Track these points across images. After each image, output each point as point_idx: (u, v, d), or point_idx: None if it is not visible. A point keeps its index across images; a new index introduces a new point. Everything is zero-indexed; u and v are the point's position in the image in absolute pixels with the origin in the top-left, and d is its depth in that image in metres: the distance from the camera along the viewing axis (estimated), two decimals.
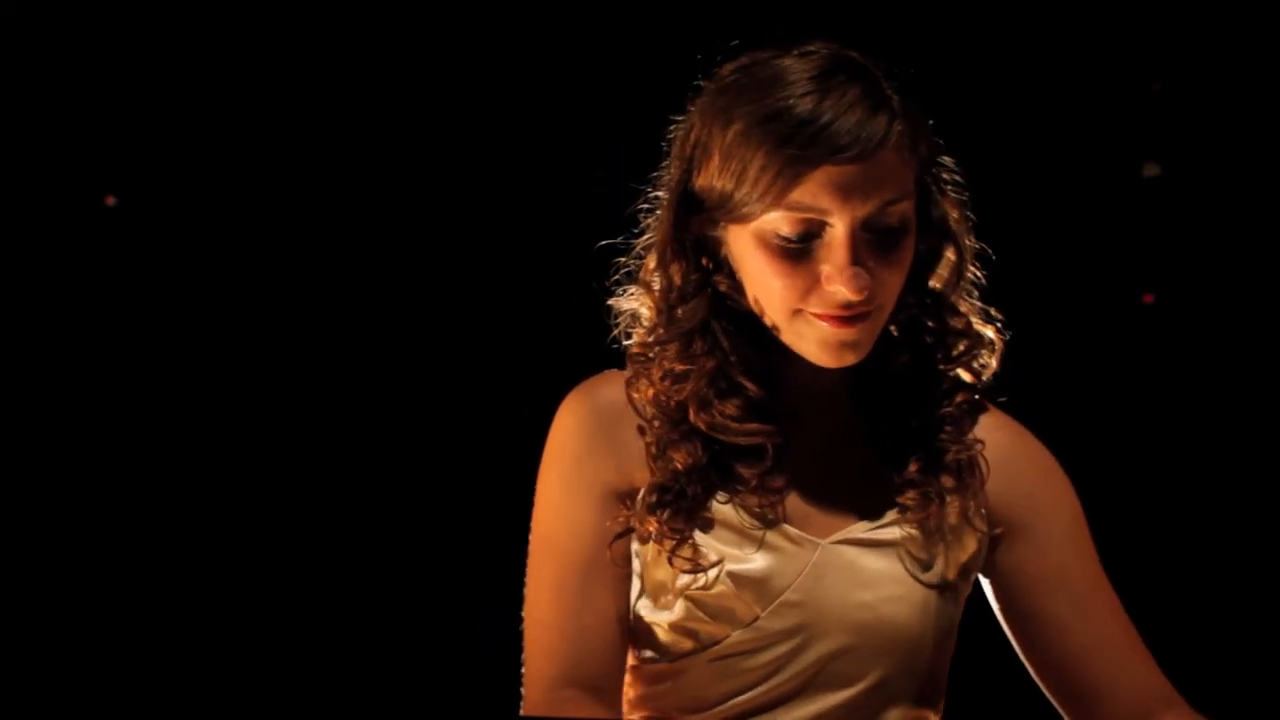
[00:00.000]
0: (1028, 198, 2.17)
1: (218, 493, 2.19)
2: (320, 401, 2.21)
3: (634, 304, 0.98)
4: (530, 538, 0.97)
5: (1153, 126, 2.29)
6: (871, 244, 0.82)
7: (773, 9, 1.77)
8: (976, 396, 0.97)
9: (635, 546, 0.92)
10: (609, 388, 0.97)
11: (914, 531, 0.91)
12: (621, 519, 0.91)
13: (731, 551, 0.89)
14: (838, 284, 0.81)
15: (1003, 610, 0.99)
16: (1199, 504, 2.19)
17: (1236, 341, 2.20)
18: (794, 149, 0.80)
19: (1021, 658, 0.98)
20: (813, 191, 0.81)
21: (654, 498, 0.89)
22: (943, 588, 0.91)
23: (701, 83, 0.93)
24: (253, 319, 2.22)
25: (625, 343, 0.99)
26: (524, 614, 0.95)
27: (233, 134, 2.22)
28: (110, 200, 2.17)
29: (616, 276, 0.99)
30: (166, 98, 2.19)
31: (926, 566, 0.90)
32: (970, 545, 0.93)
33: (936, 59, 2.07)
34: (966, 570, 0.94)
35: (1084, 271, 2.25)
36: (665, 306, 0.93)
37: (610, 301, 0.99)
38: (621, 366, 0.98)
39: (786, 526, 0.90)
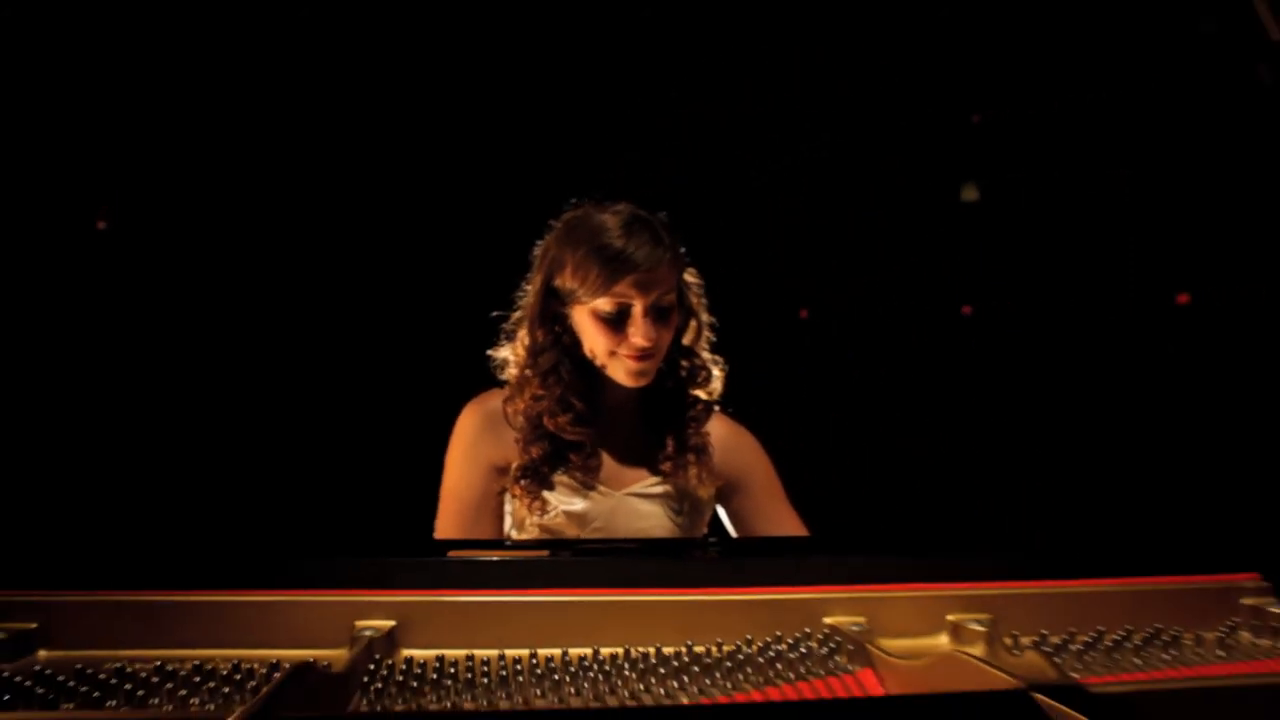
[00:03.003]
0: (864, 223, 2.67)
1: None
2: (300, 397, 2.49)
3: (505, 353, 1.59)
4: (441, 490, 1.58)
5: (972, 154, 2.68)
6: (654, 317, 1.46)
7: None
8: (710, 406, 1.65)
9: (508, 498, 1.55)
10: (493, 400, 1.58)
11: (670, 488, 1.58)
12: (499, 484, 1.54)
13: (565, 499, 1.54)
14: (637, 337, 1.45)
15: (729, 518, 1.68)
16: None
17: (1046, 347, 2.64)
18: (613, 268, 1.42)
19: (733, 532, 1.68)
20: (623, 290, 1.44)
21: (519, 473, 1.53)
22: (687, 518, 1.60)
23: (553, 222, 1.53)
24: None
25: (499, 375, 1.60)
26: (435, 533, 1.57)
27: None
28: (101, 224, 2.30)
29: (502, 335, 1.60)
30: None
31: (678, 509, 1.59)
32: (704, 493, 1.62)
33: (776, 87, 2.57)
34: (703, 508, 1.63)
35: (911, 286, 2.69)
36: (531, 356, 1.54)
37: (489, 352, 1.60)
38: (500, 385, 1.59)
39: (599, 485, 1.56)
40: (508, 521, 1.59)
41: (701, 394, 1.64)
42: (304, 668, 0.74)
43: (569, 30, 2.51)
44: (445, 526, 1.58)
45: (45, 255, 2.21)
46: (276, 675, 0.82)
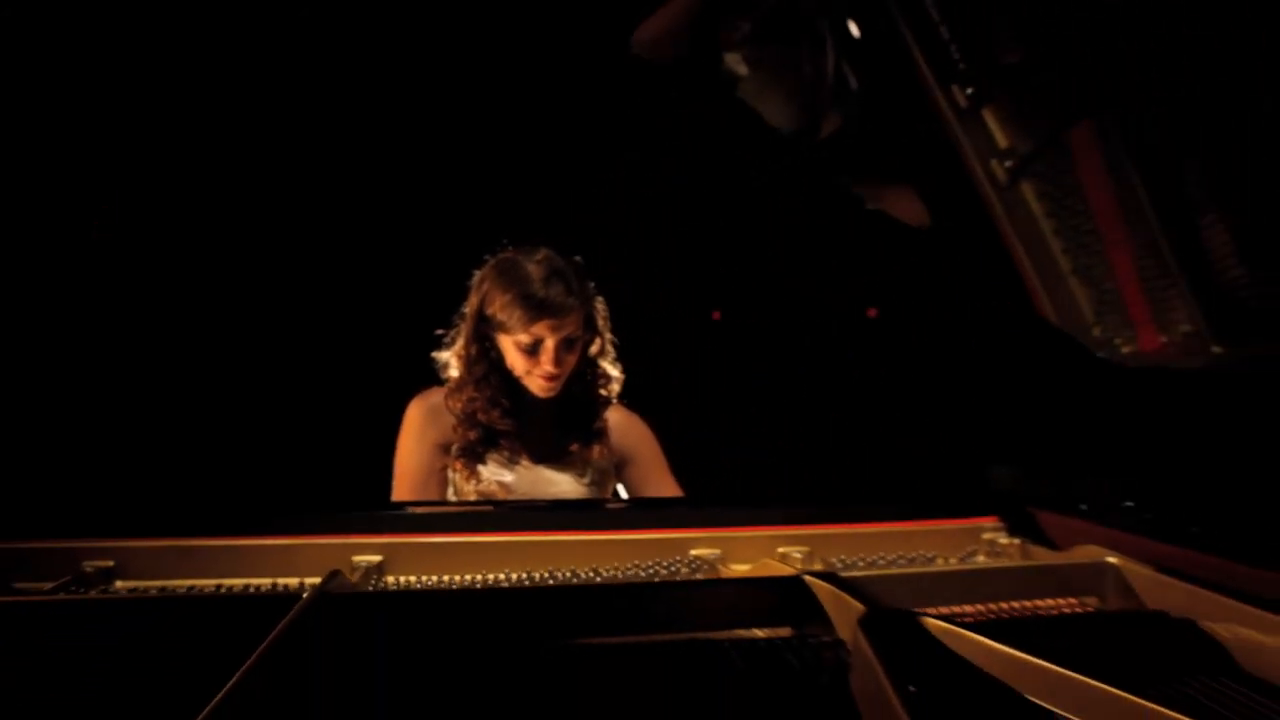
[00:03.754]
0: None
1: None
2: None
3: (446, 356, 1.95)
4: (395, 468, 1.94)
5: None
6: (561, 350, 1.85)
7: None
8: (608, 400, 2.04)
9: (450, 473, 1.92)
10: (435, 395, 1.95)
11: (577, 462, 1.98)
12: (442, 462, 1.91)
13: (495, 472, 1.91)
14: (546, 366, 1.83)
15: (624, 484, 2.08)
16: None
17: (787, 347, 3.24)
18: (533, 312, 1.80)
19: (625, 495, 2.07)
20: (538, 330, 1.82)
21: (459, 452, 1.90)
22: (593, 486, 1.99)
23: (489, 258, 1.91)
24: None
25: (441, 374, 1.96)
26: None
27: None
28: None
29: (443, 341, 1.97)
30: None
31: (585, 478, 1.98)
32: (604, 466, 2.02)
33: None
34: (604, 478, 2.02)
35: (672, 294, 3.18)
36: (467, 365, 1.91)
37: (433, 354, 1.97)
38: (440, 382, 1.96)
39: (522, 461, 1.94)
40: (450, 491, 1.95)
41: (604, 392, 2.04)
42: (337, 571, 1.10)
43: (566, 31, 2.72)
44: (400, 496, 1.94)
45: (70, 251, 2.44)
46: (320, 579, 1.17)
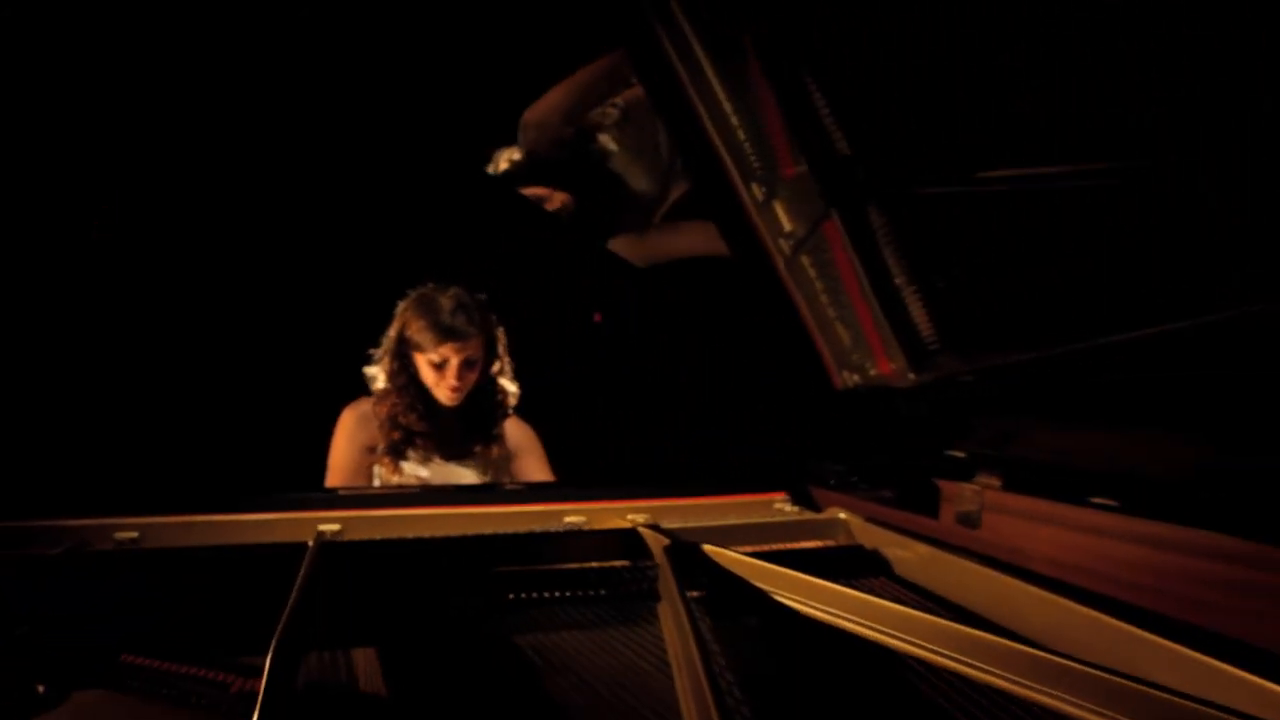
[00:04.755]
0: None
1: None
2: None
3: (374, 371, 2.44)
4: (328, 466, 2.41)
5: None
6: (463, 369, 2.36)
7: None
8: (506, 411, 2.56)
9: (375, 468, 2.40)
10: (365, 404, 2.43)
11: (480, 460, 2.49)
12: (368, 461, 2.39)
13: (414, 468, 2.41)
14: (450, 380, 2.34)
15: (514, 475, 2.60)
16: None
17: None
18: (441, 336, 2.31)
19: None
20: (445, 351, 2.33)
21: (384, 451, 2.38)
22: (491, 478, 2.50)
23: (410, 292, 2.40)
24: None
25: (370, 385, 2.45)
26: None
27: None
28: None
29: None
30: None
31: (485, 473, 2.49)
32: (500, 463, 2.53)
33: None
34: (501, 472, 2.54)
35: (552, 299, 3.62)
36: (390, 376, 2.40)
37: (364, 369, 2.45)
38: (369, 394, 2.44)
39: (435, 458, 2.44)
40: (376, 483, 2.43)
41: (502, 404, 2.56)
42: (321, 533, 1.59)
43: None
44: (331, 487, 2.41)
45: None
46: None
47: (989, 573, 1.30)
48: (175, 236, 2.99)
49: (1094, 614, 1.11)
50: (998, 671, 1.08)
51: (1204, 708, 0.86)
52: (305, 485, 2.30)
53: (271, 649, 0.99)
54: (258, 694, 0.93)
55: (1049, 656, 1.02)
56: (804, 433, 2.18)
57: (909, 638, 1.19)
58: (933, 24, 1.43)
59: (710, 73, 1.95)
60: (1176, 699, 0.89)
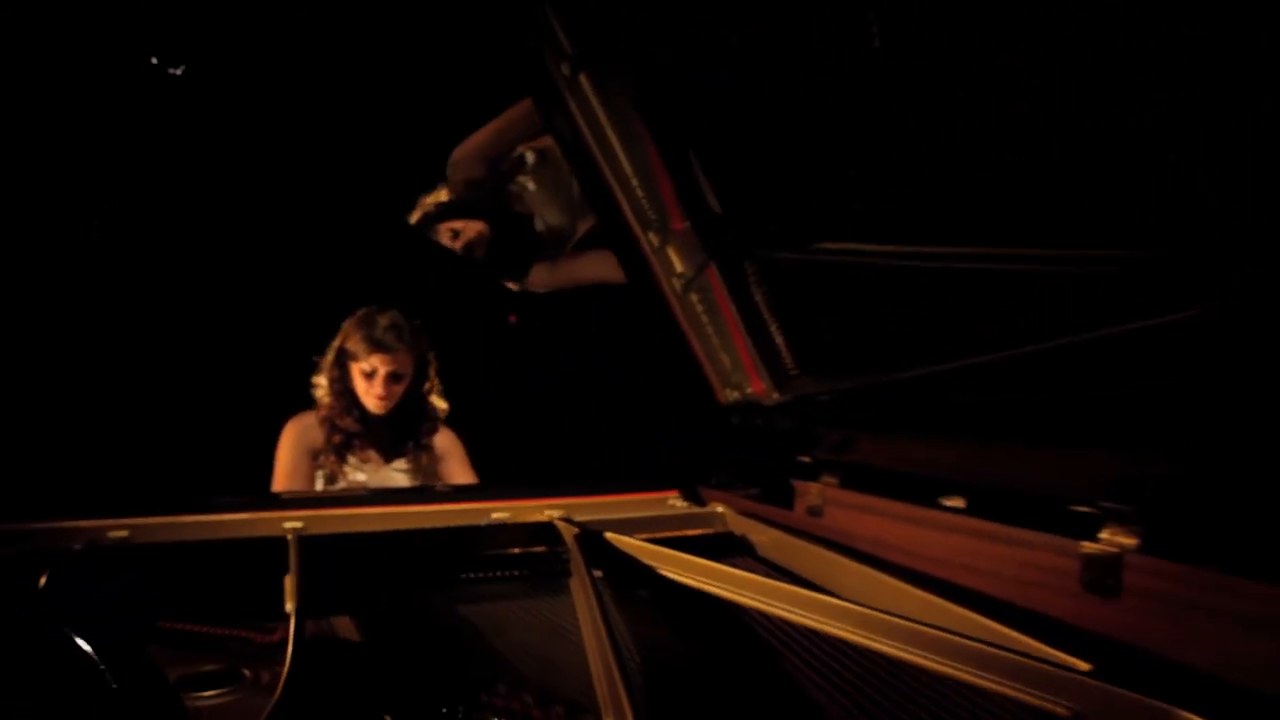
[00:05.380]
0: None
1: None
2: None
3: (320, 380, 2.76)
4: (275, 470, 2.71)
5: None
6: (390, 381, 2.71)
7: None
8: (434, 424, 2.90)
9: (319, 471, 2.72)
10: (308, 417, 2.75)
11: (410, 465, 2.83)
12: (313, 465, 2.71)
13: (352, 472, 2.73)
14: (377, 389, 2.68)
15: (440, 478, 2.94)
16: None
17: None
18: (371, 347, 2.65)
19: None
20: (375, 362, 2.67)
21: (327, 453, 2.70)
22: (421, 480, 2.84)
23: (355, 312, 2.73)
24: None
25: (315, 394, 2.77)
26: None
27: None
28: None
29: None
30: None
31: (415, 476, 2.83)
32: (429, 468, 2.88)
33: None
34: (430, 476, 2.88)
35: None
36: (330, 382, 2.72)
37: (312, 378, 2.76)
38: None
39: (370, 462, 2.77)
40: (319, 484, 2.75)
41: (430, 417, 2.90)
42: (289, 530, 1.92)
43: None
44: (277, 486, 2.72)
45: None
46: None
47: (823, 551, 1.73)
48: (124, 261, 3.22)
49: (894, 581, 1.53)
50: (828, 622, 1.50)
51: (983, 646, 1.29)
52: (257, 489, 2.60)
53: (293, 614, 1.34)
54: (283, 643, 1.28)
55: (861, 609, 1.44)
56: (694, 440, 2.59)
57: (761, 598, 1.60)
58: (795, 116, 1.84)
59: (612, 136, 2.32)
60: (962, 639, 1.31)
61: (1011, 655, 1.20)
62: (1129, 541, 1.29)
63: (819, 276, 2.01)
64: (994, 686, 1.20)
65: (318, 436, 2.76)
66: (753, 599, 1.60)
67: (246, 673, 1.39)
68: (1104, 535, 1.32)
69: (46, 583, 1.54)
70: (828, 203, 1.90)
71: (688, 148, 2.16)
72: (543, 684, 1.41)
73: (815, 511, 1.99)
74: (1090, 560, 1.32)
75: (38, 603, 1.50)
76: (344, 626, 1.57)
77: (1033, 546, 1.43)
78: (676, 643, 1.57)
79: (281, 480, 2.76)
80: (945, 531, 1.67)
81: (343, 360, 2.73)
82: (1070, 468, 1.46)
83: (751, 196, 2.10)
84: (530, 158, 3.11)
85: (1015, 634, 1.27)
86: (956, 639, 1.27)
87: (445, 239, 3.02)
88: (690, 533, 2.10)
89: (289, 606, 1.45)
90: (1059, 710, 1.12)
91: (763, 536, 1.94)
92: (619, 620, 1.59)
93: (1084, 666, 1.15)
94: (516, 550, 1.92)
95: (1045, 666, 1.16)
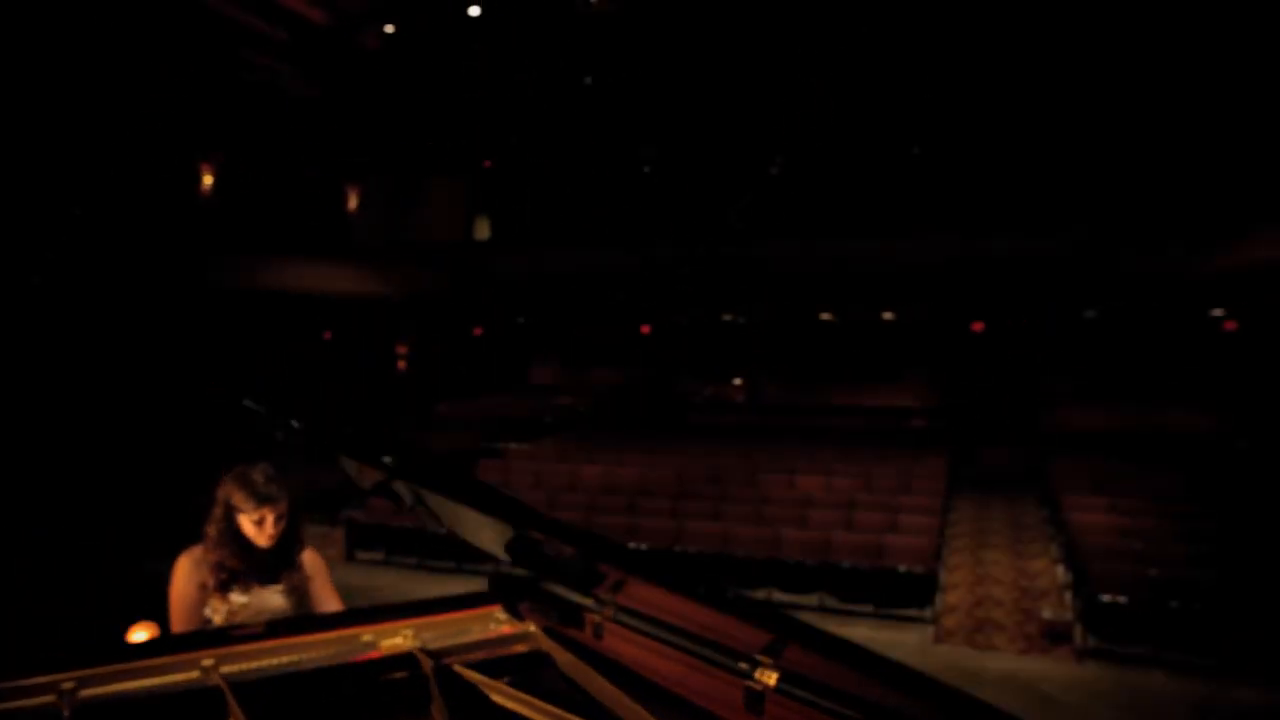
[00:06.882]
0: None
1: None
2: None
3: (210, 529, 3.41)
4: (170, 602, 3.34)
5: None
6: (277, 520, 3.42)
7: None
8: (302, 549, 3.61)
9: (207, 604, 3.37)
10: (196, 551, 3.43)
11: (285, 587, 3.53)
12: (202, 595, 3.36)
13: (238, 598, 3.40)
14: (269, 531, 3.38)
15: (311, 596, 3.63)
16: None
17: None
18: (260, 502, 3.35)
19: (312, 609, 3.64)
20: (263, 511, 3.38)
21: (214, 589, 3.37)
22: (297, 602, 3.53)
23: (225, 472, 3.41)
24: None
25: (204, 539, 3.42)
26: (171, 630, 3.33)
27: None
28: None
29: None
30: None
31: (291, 597, 3.52)
32: (300, 586, 3.58)
33: None
34: (301, 594, 3.57)
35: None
36: (219, 532, 3.39)
37: (204, 528, 3.41)
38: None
39: (253, 589, 3.44)
40: (208, 611, 3.39)
41: (299, 542, 3.60)
42: (208, 668, 2.62)
43: None
44: (176, 624, 3.35)
45: None
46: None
47: (592, 673, 2.60)
48: None
49: (627, 700, 2.41)
50: None
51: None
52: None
53: None
54: None
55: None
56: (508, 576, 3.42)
57: (557, 712, 2.45)
58: None
59: None
60: None
61: None
62: (771, 681, 2.22)
63: None
64: None
65: (206, 570, 3.38)
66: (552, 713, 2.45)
67: None
68: (756, 675, 2.25)
69: None
70: None
71: None
72: None
73: (598, 632, 2.86)
74: (747, 691, 2.24)
75: None
76: None
77: (714, 676, 2.35)
78: None
79: (179, 612, 3.32)
80: (668, 660, 2.57)
81: (229, 515, 3.37)
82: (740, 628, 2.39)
83: None
84: None
85: None
86: None
87: None
88: (514, 650, 2.93)
89: None
90: None
91: (562, 656, 2.80)
92: None
93: None
94: (395, 675, 2.69)
95: None
